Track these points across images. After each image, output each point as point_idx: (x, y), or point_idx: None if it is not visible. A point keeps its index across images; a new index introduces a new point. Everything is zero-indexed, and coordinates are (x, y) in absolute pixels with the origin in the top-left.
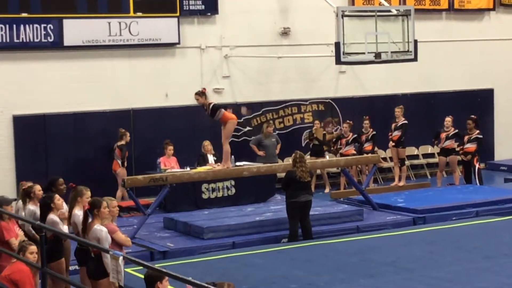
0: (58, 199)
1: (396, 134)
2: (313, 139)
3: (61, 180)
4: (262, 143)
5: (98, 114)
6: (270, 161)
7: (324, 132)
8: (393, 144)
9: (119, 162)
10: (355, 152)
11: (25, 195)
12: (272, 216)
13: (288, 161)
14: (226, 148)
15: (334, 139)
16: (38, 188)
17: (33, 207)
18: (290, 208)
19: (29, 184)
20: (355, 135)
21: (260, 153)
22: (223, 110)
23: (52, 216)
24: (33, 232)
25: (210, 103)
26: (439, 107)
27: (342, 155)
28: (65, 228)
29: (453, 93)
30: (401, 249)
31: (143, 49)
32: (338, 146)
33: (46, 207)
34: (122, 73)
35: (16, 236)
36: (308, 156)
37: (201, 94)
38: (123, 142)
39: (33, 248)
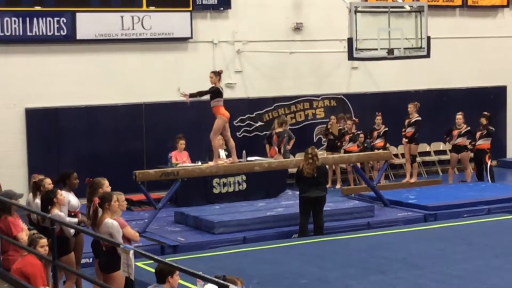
0: (61, 195)
1: (410, 130)
2: (329, 134)
3: (75, 174)
4: (273, 138)
5: (110, 108)
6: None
7: (340, 127)
8: (407, 140)
9: (276, 148)
10: (357, 149)
11: (35, 188)
12: (283, 211)
13: (300, 156)
14: (214, 144)
15: (338, 135)
16: (48, 182)
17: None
18: (301, 203)
19: (40, 177)
20: (359, 132)
21: (269, 154)
22: (222, 102)
23: (57, 211)
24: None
25: (215, 86)
26: (451, 104)
27: (345, 151)
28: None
29: (465, 90)
30: (412, 245)
31: (155, 43)
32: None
33: (49, 201)
34: (134, 67)
35: (22, 231)
36: (321, 151)
37: (216, 74)
38: (281, 130)
39: (44, 241)
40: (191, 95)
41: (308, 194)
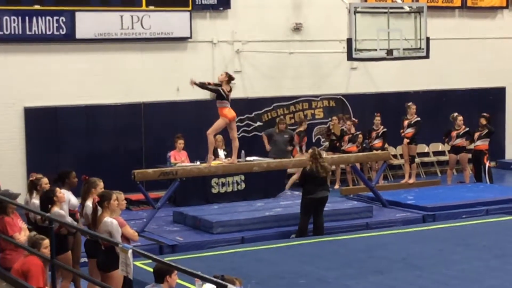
0: (60, 192)
1: (410, 131)
2: (331, 134)
3: (74, 173)
4: (273, 137)
5: (109, 107)
6: (280, 156)
7: (342, 128)
8: (408, 141)
9: (297, 147)
10: (356, 149)
11: (32, 187)
12: (282, 211)
13: (299, 157)
14: (209, 139)
15: (338, 136)
16: (45, 181)
17: (39, 201)
18: (304, 204)
19: (38, 176)
20: (358, 133)
21: (267, 146)
22: (226, 104)
23: (57, 210)
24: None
25: (221, 88)
26: (450, 104)
27: (344, 152)
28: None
29: (465, 91)
30: (410, 246)
31: (155, 43)
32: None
33: (48, 200)
34: (133, 67)
35: (20, 231)
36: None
37: (228, 75)
38: (301, 129)
39: (47, 242)
40: (198, 83)
41: (314, 195)
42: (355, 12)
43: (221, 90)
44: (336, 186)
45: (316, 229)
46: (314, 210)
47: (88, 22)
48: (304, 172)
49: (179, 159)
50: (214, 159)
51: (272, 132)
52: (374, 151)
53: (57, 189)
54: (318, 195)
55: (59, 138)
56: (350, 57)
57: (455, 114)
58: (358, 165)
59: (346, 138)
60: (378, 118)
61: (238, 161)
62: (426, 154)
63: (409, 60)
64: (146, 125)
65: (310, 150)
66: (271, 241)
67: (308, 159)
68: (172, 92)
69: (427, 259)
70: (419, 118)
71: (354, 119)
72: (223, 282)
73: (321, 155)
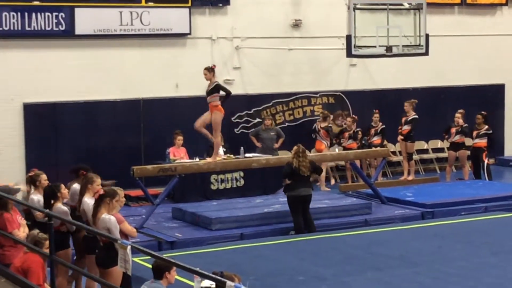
0: (64, 189)
1: (406, 128)
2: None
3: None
4: (259, 135)
5: (108, 103)
6: (267, 153)
7: (330, 126)
8: (402, 138)
9: (325, 143)
10: (356, 146)
11: (30, 183)
12: (281, 208)
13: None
14: (217, 140)
15: (337, 133)
16: (44, 178)
17: (37, 197)
18: (290, 202)
19: (38, 172)
20: (358, 129)
21: (257, 144)
22: (219, 99)
23: (60, 206)
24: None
25: (215, 82)
26: (449, 101)
27: (344, 148)
28: None
29: (464, 88)
30: (409, 243)
31: (154, 39)
32: (340, 141)
33: (52, 195)
34: (132, 63)
35: (19, 227)
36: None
37: (210, 69)
38: (326, 124)
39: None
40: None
41: (297, 193)
42: (355, 9)
43: (221, 84)
44: (332, 182)
45: (307, 227)
46: (300, 207)
47: (87, 18)
48: (289, 167)
49: (178, 156)
50: None
51: (258, 130)
52: (373, 148)
53: (62, 185)
54: (300, 193)
55: (58, 134)
56: (349, 54)
57: (459, 110)
58: (357, 162)
59: (346, 134)
60: (377, 115)
61: (237, 158)
62: (425, 151)
63: (408, 57)
64: (145, 121)
65: (295, 147)
66: (270, 237)
67: (292, 156)
68: (171, 88)
69: (425, 256)
70: (416, 116)
71: (354, 115)
72: (222, 279)
73: (304, 153)
